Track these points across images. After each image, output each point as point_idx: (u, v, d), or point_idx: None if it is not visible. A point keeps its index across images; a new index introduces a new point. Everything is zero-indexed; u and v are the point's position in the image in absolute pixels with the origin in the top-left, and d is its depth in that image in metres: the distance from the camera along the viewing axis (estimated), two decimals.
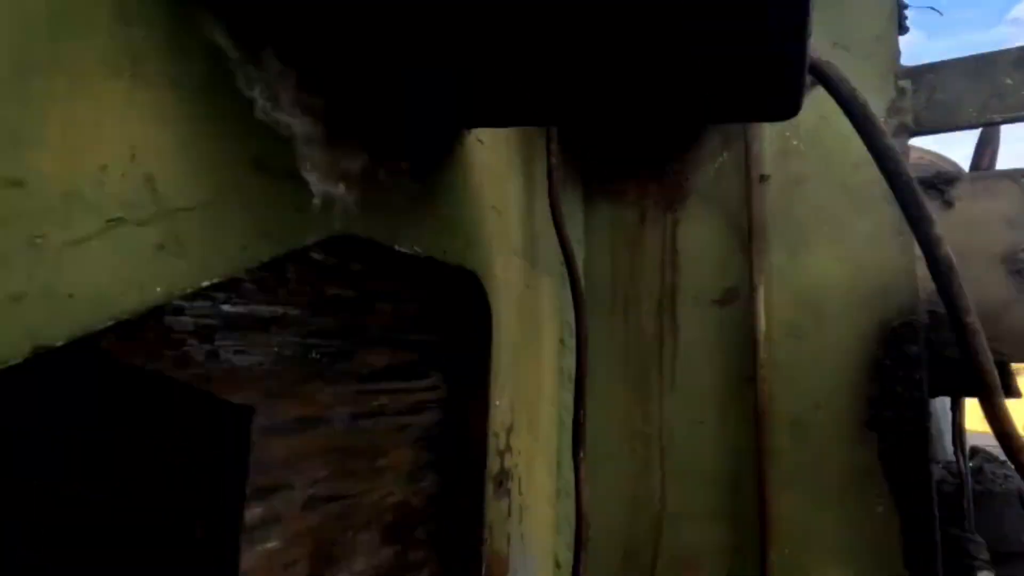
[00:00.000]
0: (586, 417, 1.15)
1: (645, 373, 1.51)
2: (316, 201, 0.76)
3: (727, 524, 1.36)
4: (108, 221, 0.53)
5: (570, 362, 1.56)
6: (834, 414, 1.29)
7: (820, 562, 1.26)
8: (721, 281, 1.46)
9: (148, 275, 0.56)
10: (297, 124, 0.73)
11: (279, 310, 0.82)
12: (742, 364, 1.41)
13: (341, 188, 0.80)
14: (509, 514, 1.25)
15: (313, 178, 0.75)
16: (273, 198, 0.69)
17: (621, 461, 1.50)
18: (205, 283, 0.62)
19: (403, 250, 0.93)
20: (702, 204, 1.50)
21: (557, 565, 1.50)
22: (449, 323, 1.21)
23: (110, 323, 0.53)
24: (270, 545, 0.79)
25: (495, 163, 1.23)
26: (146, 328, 0.65)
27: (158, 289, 0.57)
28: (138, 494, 1.24)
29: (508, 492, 1.25)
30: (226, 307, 0.74)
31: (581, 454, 1.13)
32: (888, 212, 1.30)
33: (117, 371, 0.63)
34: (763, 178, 1.43)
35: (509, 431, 1.26)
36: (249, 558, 0.76)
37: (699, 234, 1.50)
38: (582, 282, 1.24)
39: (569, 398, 1.55)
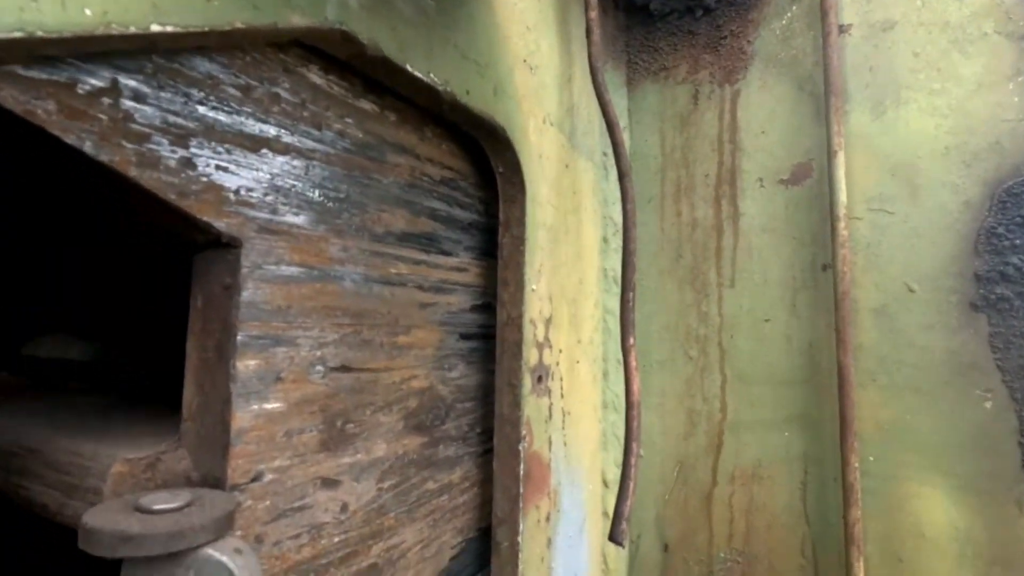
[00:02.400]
0: (635, 301, 0.98)
1: (700, 269, 1.33)
2: None
3: (798, 431, 1.19)
4: None
5: (614, 263, 1.39)
6: (930, 297, 1.09)
7: (915, 469, 1.08)
8: (790, 157, 1.26)
9: None
10: None
11: (271, 130, 0.68)
12: (815, 251, 1.21)
13: None
14: (550, 416, 1.11)
15: None
16: None
17: (675, 368, 1.34)
18: (156, 27, 0.47)
19: (417, 74, 0.77)
20: (767, 70, 1.29)
21: (605, 484, 1.37)
22: (474, 199, 1.06)
23: (16, 34, 0.39)
24: (270, 406, 0.67)
25: (525, 8, 1.05)
26: (96, 106, 0.51)
27: (87, 11, 0.43)
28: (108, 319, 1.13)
29: (548, 391, 1.10)
30: (203, 109, 0.60)
31: (631, 340, 0.97)
32: (1004, 50, 1.07)
33: (53, 151, 0.50)
34: (843, 29, 1.20)
35: (548, 324, 1.11)
36: (244, 417, 0.64)
37: (763, 105, 1.29)
38: (626, 151, 1.07)
39: (614, 302, 1.39)
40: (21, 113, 0.47)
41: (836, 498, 1.14)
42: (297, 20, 0.60)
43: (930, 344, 1.09)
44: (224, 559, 0.52)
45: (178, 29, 0.49)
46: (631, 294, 1.00)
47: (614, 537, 0.82)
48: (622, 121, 1.45)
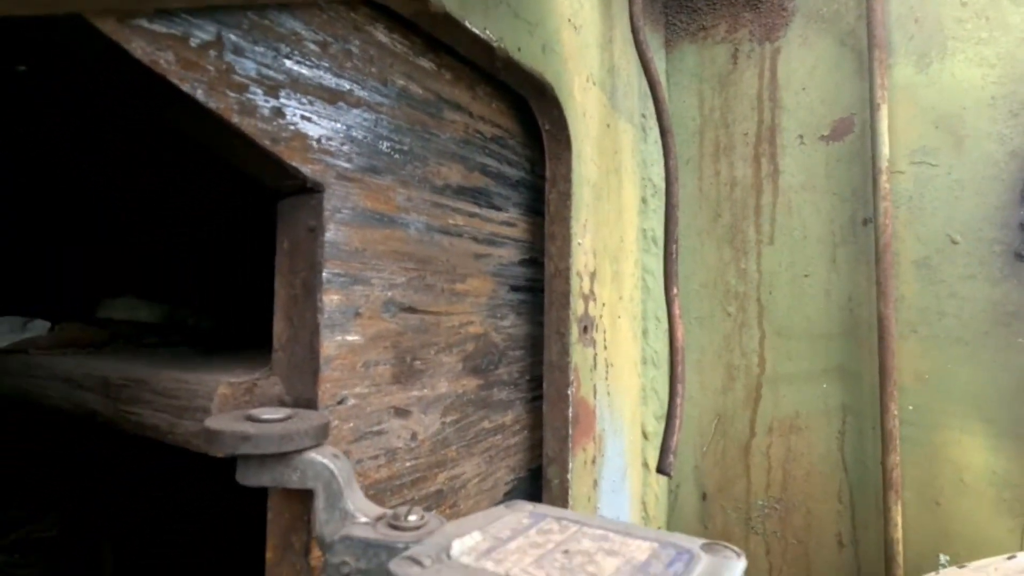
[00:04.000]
0: (678, 252, 1.02)
1: (739, 227, 1.35)
2: None
3: (836, 383, 1.22)
4: None
5: (654, 224, 1.43)
6: (973, 248, 1.10)
7: (954, 417, 1.10)
8: (831, 113, 1.26)
9: None
10: None
11: (346, 84, 0.73)
12: (856, 206, 1.23)
13: None
14: (595, 365, 1.16)
15: None
16: None
17: (714, 324, 1.37)
18: None
19: (475, 30, 0.81)
20: (808, 25, 1.29)
21: (644, 436, 1.42)
22: (522, 158, 1.11)
23: None
24: (351, 338, 0.73)
25: None
26: (205, 57, 0.57)
27: None
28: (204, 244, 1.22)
29: (593, 342, 1.15)
30: (289, 63, 0.66)
31: (675, 290, 1.01)
32: None
33: (169, 99, 0.56)
34: None
35: (592, 277, 1.15)
36: (330, 346, 0.70)
37: (804, 61, 1.29)
38: (667, 107, 1.09)
39: (653, 263, 1.42)
40: (148, 63, 0.53)
41: (874, 446, 1.17)
42: None
43: (972, 294, 1.10)
44: (325, 460, 0.59)
45: None
46: (675, 246, 1.04)
47: (662, 468, 0.88)
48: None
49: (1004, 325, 1.08)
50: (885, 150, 1.14)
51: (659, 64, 1.48)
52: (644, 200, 1.43)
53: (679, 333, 0.98)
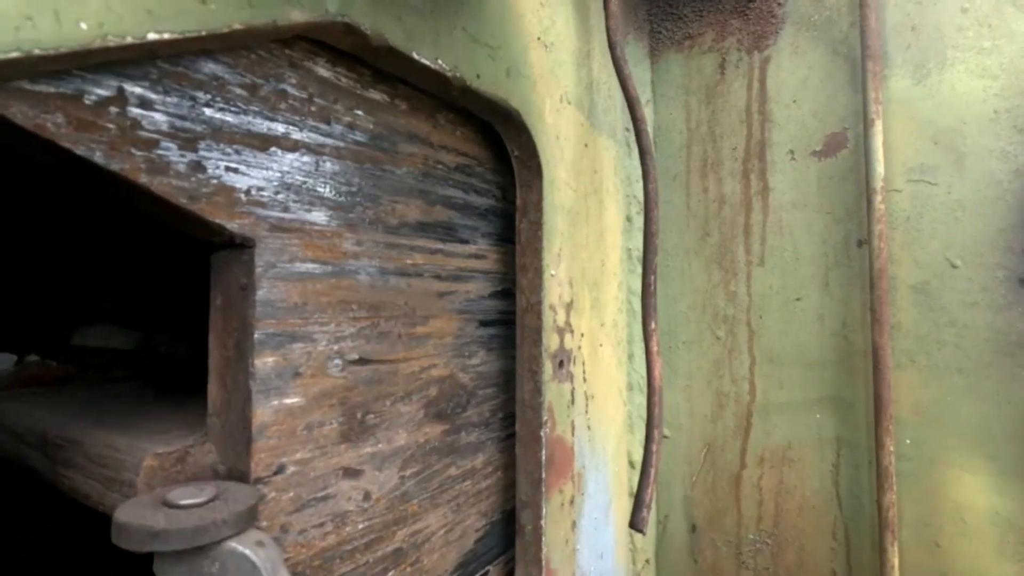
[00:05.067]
0: (656, 285, 0.96)
1: (728, 247, 1.29)
2: None
3: (830, 413, 1.16)
4: None
5: (639, 242, 1.36)
6: (974, 273, 1.03)
7: (955, 452, 1.04)
8: (823, 127, 1.19)
9: (65, 0, 0.42)
10: None
11: (280, 128, 0.68)
12: (850, 226, 1.16)
13: None
14: (573, 401, 1.11)
15: None
16: None
17: (702, 349, 1.31)
18: (152, 35, 0.47)
19: (425, 61, 0.75)
20: (799, 33, 1.22)
21: (631, 464, 1.37)
22: (491, 184, 1.05)
23: (14, 54, 0.40)
24: (289, 401, 0.68)
25: None
26: (104, 115, 0.52)
27: (83, 25, 0.43)
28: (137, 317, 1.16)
29: (570, 376, 1.10)
30: (209, 111, 0.61)
31: (653, 324, 0.95)
32: None
33: (64, 163, 0.51)
34: None
35: (569, 308, 1.10)
36: (264, 412, 0.65)
37: (795, 71, 1.22)
38: (647, 127, 1.03)
39: (639, 283, 1.36)
40: (31, 128, 0.48)
41: (870, 481, 1.11)
42: (297, 16, 0.59)
43: (974, 322, 1.03)
44: (247, 552, 0.54)
45: (175, 35, 0.49)
46: (652, 277, 0.98)
47: (635, 524, 0.82)
48: (645, 95, 1.40)
49: (1008, 355, 1.01)
50: (880, 168, 1.07)
51: (644, 75, 1.41)
52: (629, 218, 1.37)
53: (657, 371, 0.92)
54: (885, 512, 1.04)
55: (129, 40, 0.46)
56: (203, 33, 0.51)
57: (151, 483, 0.64)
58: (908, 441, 1.08)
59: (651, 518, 1.37)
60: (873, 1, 1.09)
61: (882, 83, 1.10)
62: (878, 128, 1.06)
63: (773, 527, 1.21)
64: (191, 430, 0.73)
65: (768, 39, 1.25)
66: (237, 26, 0.53)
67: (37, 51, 0.41)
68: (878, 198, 1.07)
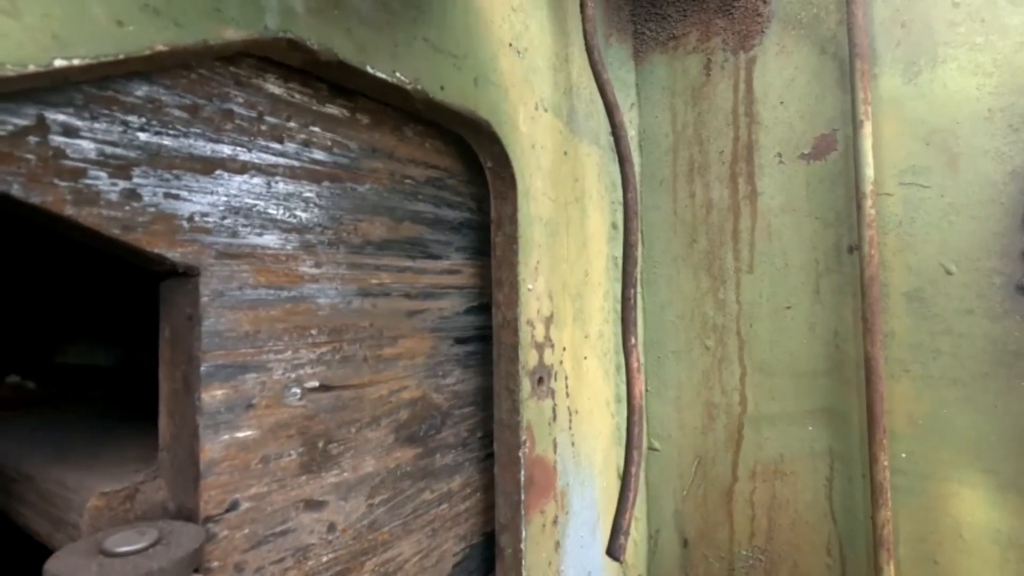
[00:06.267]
0: (637, 298, 0.92)
1: (717, 254, 1.25)
2: None
3: (823, 425, 1.12)
4: None
5: None
6: (970, 279, 0.99)
7: (951, 467, 0.99)
8: (812, 129, 1.15)
9: None
10: None
11: (225, 150, 0.65)
12: (841, 231, 1.12)
13: None
14: (555, 417, 1.07)
15: None
16: None
17: (692, 358, 1.28)
18: (60, 61, 0.44)
19: (380, 75, 0.72)
20: (785, 32, 1.17)
21: (620, 478, 1.33)
22: (465, 196, 1.01)
23: None
24: (242, 434, 0.65)
25: None
26: (21, 146, 0.49)
27: None
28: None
29: (552, 392, 1.07)
30: (144, 136, 0.58)
31: (633, 341, 0.92)
32: None
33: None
34: None
35: (549, 322, 1.06)
36: (213, 448, 0.62)
37: (782, 72, 1.18)
38: (626, 134, 0.99)
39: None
40: None
41: (865, 496, 1.07)
42: (231, 34, 0.56)
43: (970, 331, 0.99)
44: None
45: (87, 61, 0.46)
46: (632, 290, 0.95)
47: (612, 552, 0.79)
48: (630, 98, 1.37)
49: (1006, 366, 0.96)
50: (869, 172, 1.03)
51: (628, 76, 1.37)
52: (615, 225, 1.33)
53: (637, 389, 0.89)
54: (880, 529, 1.00)
55: (31, 68, 0.43)
56: (120, 57, 0.48)
57: (97, 524, 0.62)
58: (903, 454, 1.04)
59: (642, 532, 1.33)
60: (861, 0, 1.04)
61: (871, 82, 1.06)
62: (867, 130, 1.02)
63: (766, 543, 1.18)
64: (146, 463, 0.71)
65: (754, 39, 1.21)
66: (161, 47, 0.50)
67: None
68: (868, 202, 1.03)
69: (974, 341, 0.99)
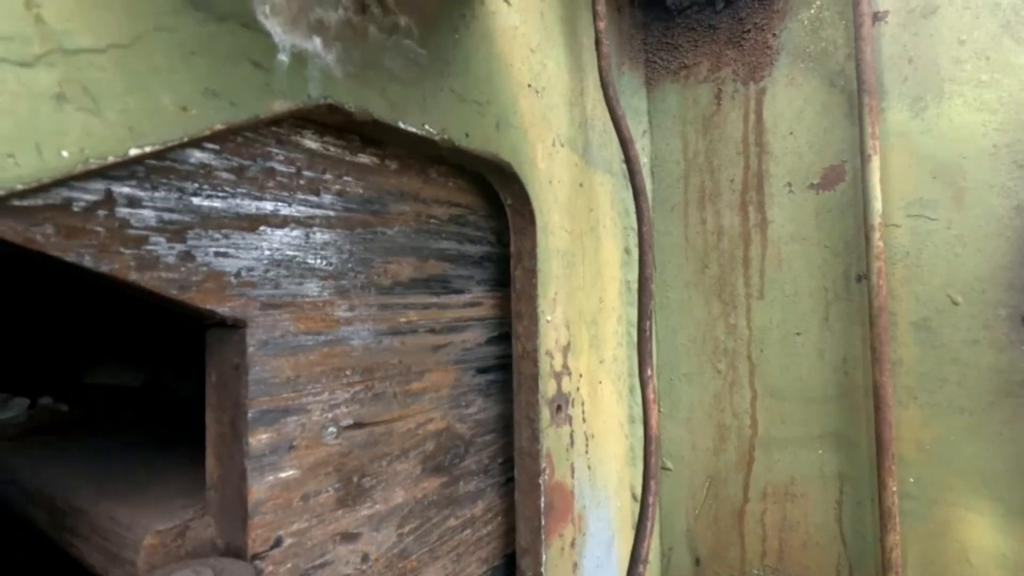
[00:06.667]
0: (653, 329, 0.96)
1: (728, 280, 1.28)
2: (282, 57, 0.60)
3: (833, 449, 1.15)
4: None
5: (638, 273, 1.36)
6: (977, 310, 1.02)
7: (959, 492, 1.02)
8: (821, 160, 1.18)
9: (46, 132, 0.43)
10: None
11: (268, 206, 0.69)
12: (849, 260, 1.15)
13: (317, 43, 0.64)
14: (572, 443, 1.11)
15: (275, 27, 0.59)
16: (219, 47, 0.54)
17: (703, 381, 1.31)
18: (134, 150, 0.48)
19: (411, 129, 0.76)
20: (794, 65, 1.20)
21: (634, 497, 1.37)
22: (485, 231, 1.05)
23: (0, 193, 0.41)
24: (285, 474, 0.69)
25: (529, 31, 1.02)
26: (92, 220, 0.53)
27: (64, 153, 0.44)
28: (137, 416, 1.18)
29: (569, 419, 1.10)
30: (198, 200, 0.62)
31: (649, 372, 0.95)
32: None
33: (50, 270, 0.52)
34: (878, 16, 1.11)
35: (566, 351, 1.10)
36: (260, 489, 0.66)
37: (791, 103, 1.21)
38: (641, 168, 1.03)
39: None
40: (21, 242, 0.49)
41: (874, 519, 1.10)
42: (279, 106, 0.60)
43: (976, 361, 1.02)
44: None
45: (157, 147, 0.50)
46: (648, 322, 0.98)
47: None
48: (641, 125, 1.40)
49: (1011, 395, 0.99)
50: (877, 205, 1.06)
51: (640, 104, 1.41)
52: (627, 250, 1.36)
53: (653, 421, 0.92)
54: (889, 552, 1.03)
55: (111, 159, 0.47)
56: (185, 139, 0.52)
57: (152, 560, 0.66)
58: (912, 480, 1.07)
59: (655, 550, 1.37)
60: (868, 34, 1.07)
61: (879, 116, 1.09)
62: (875, 164, 1.05)
63: (777, 562, 1.21)
64: (192, 499, 0.75)
65: (763, 70, 1.24)
66: (219, 127, 0.54)
67: (20, 186, 0.42)
68: (876, 235, 1.06)
69: (980, 371, 1.02)
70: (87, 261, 0.53)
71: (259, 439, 0.67)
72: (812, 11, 1.18)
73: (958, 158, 1.04)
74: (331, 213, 0.76)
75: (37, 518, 0.87)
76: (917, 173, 1.08)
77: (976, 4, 1.02)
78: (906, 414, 1.08)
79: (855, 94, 1.12)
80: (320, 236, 0.75)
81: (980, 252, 1.02)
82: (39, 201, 0.50)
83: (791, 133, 1.21)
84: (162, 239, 0.59)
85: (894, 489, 1.04)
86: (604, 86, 1.10)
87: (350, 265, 0.79)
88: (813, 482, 1.18)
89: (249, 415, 0.66)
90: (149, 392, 1.51)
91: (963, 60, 1.04)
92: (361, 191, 0.81)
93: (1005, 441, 1.00)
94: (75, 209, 0.52)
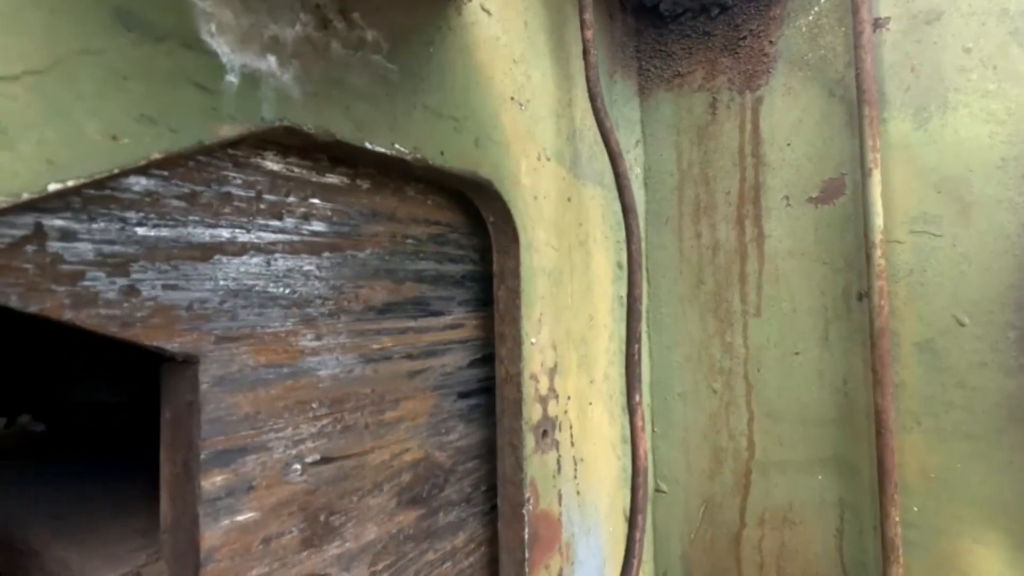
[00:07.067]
0: (645, 351, 0.91)
1: (724, 296, 1.23)
2: (231, 78, 0.56)
3: (833, 475, 1.10)
4: None
5: None
6: (984, 331, 0.97)
7: (965, 523, 0.97)
8: (820, 172, 1.13)
9: None
10: None
11: (224, 234, 0.65)
12: (850, 278, 1.10)
13: (271, 62, 0.60)
14: (559, 469, 1.07)
15: (222, 46, 0.55)
16: (156, 70, 0.50)
17: (698, 402, 1.26)
18: (54, 185, 0.44)
19: (379, 149, 0.72)
20: (792, 73, 1.16)
21: (627, 519, 1.32)
22: (467, 249, 1.01)
23: None
24: (242, 517, 0.65)
25: (511, 41, 0.97)
26: (18, 256, 0.49)
27: None
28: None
29: (556, 444, 1.06)
30: (142, 230, 0.58)
31: (637, 397, 0.91)
32: None
33: None
34: (879, 23, 1.06)
35: (552, 373, 1.05)
36: (214, 535, 0.62)
37: (789, 113, 1.16)
38: (630, 183, 0.98)
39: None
40: None
41: (876, 549, 1.05)
42: (227, 131, 0.56)
43: (983, 385, 0.97)
44: None
45: (82, 180, 0.46)
46: (637, 346, 0.94)
47: None
48: (635, 135, 1.35)
49: (1021, 422, 0.94)
50: (878, 221, 1.01)
51: (633, 114, 1.36)
52: (620, 265, 1.32)
53: (642, 450, 0.88)
54: None
55: (26, 196, 0.43)
56: (115, 171, 0.48)
57: None
58: (915, 508, 1.02)
59: (649, 574, 1.32)
60: (868, 41, 1.02)
61: (881, 127, 1.04)
62: (876, 178, 1.00)
63: None
64: (149, 539, 0.71)
65: (760, 78, 1.19)
66: (156, 155, 0.50)
67: None
68: (877, 252, 1.01)
69: (988, 395, 0.97)
70: (13, 301, 0.49)
71: (212, 482, 0.63)
72: (810, 17, 1.14)
73: (964, 171, 0.99)
74: (295, 238, 0.72)
75: None
76: (920, 187, 1.03)
77: (982, 10, 0.97)
78: (910, 439, 1.03)
79: (855, 104, 1.08)
80: (283, 263, 0.71)
81: (987, 271, 0.97)
82: None
83: (789, 144, 1.16)
84: (101, 273, 0.55)
85: (897, 519, 0.99)
86: (592, 98, 1.06)
87: (317, 292, 0.75)
88: (812, 508, 1.13)
89: (202, 456, 0.62)
90: (128, 409, 1.48)
91: (969, 69, 0.99)
92: (329, 213, 0.77)
93: (1014, 469, 0.95)
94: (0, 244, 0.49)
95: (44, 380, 1.61)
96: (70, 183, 0.45)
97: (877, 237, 1.01)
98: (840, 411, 1.10)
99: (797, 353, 1.15)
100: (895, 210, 1.04)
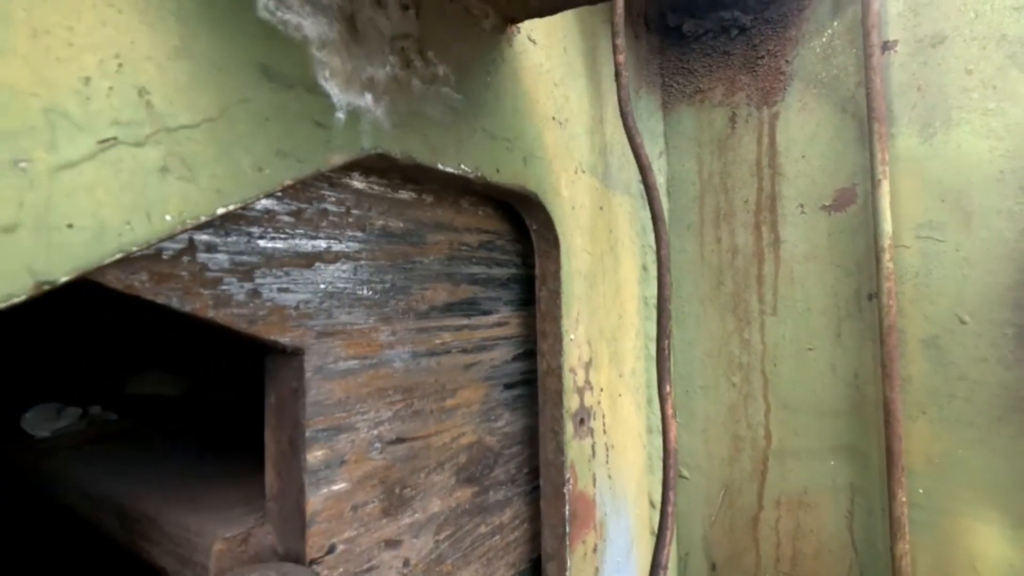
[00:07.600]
0: (671, 347, 1.01)
1: (742, 295, 1.33)
2: (339, 115, 0.67)
3: (844, 461, 1.20)
4: (100, 142, 0.47)
5: (655, 289, 1.42)
6: (984, 329, 1.06)
7: (967, 504, 1.07)
8: (832, 182, 1.23)
9: (154, 201, 0.50)
10: (308, 24, 0.64)
11: (322, 244, 0.76)
12: (861, 279, 1.19)
13: (368, 99, 0.71)
14: (594, 454, 1.17)
15: (333, 88, 0.66)
16: (288, 112, 0.61)
17: (719, 394, 1.36)
18: (221, 209, 0.55)
19: (448, 169, 0.82)
20: (807, 90, 1.25)
21: (652, 504, 1.42)
22: (511, 254, 1.12)
23: (119, 255, 0.48)
24: (337, 487, 0.76)
25: (553, 67, 1.08)
26: (178, 266, 0.60)
27: (168, 217, 0.51)
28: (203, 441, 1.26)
29: (591, 431, 1.16)
30: (263, 242, 0.69)
31: (668, 388, 1.01)
32: None
33: (145, 310, 0.59)
34: (887, 45, 1.15)
35: (588, 367, 1.16)
36: (316, 501, 0.73)
37: (804, 127, 1.26)
38: (659, 194, 1.08)
39: (655, 329, 1.41)
40: (123, 289, 0.56)
41: (884, 528, 1.15)
42: (337, 159, 0.67)
43: (984, 378, 1.07)
44: None
45: (238, 205, 0.57)
46: (667, 342, 1.04)
47: None
48: (658, 146, 1.45)
49: (1019, 411, 1.04)
50: (887, 228, 1.10)
51: (657, 127, 1.46)
52: (645, 267, 1.42)
53: (672, 434, 0.98)
54: (898, 560, 1.08)
55: (203, 219, 0.54)
56: (260, 195, 0.59)
57: (221, 564, 0.73)
58: (921, 490, 1.11)
59: (672, 555, 1.42)
60: (878, 63, 1.12)
61: (889, 141, 1.13)
62: (885, 189, 1.10)
63: (791, 569, 1.26)
64: (250, 509, 0.82)
65: (776, 95, 1.29)
66: (288, 182, 0.61)
67: (135, 248, 0.49)
68: (886, 256, 1.10)
69: (988, 388, 1.06)
70: (175, 302, 0.60)
71: (315, 455, 0.74)
72: (824, 39, 1.23)
73: (966, 183, 1.08)
74: (376, 247, 0.83)
75: (105, 523, 0.94)
76: (926, 197, 1.12)
77: (983, 35, 1.07)
78: (915, 428, 1.12)
79: (865, 120, 1.17)
80: (366, 268, 0.82)
81: (987, 273, 1.06)
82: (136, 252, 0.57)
83: (803, 156, 1.26)
84: (234, 279, 0.66)
85: (904, 500, 1.09)
86: (624, 116, 1.16)
87: (392, 293, 0.86)
88: (825, 492, 1.23)
89: (307, 434, 0.73)
90: (189, 403, 1.60)
91: (970, 89, 1.08)
92: (401, 224, 0.88)
93: (1012, 454, 1.04)
94: (164, 257, 0.60)
95: (105, 375, 1.73)
96: (231, 207, 0.56)
97: (886, 242, 1.11)
98: (851, 402, 1.20)
99: (811, 349, 1.25)
100: (902, 217, 1.14)
